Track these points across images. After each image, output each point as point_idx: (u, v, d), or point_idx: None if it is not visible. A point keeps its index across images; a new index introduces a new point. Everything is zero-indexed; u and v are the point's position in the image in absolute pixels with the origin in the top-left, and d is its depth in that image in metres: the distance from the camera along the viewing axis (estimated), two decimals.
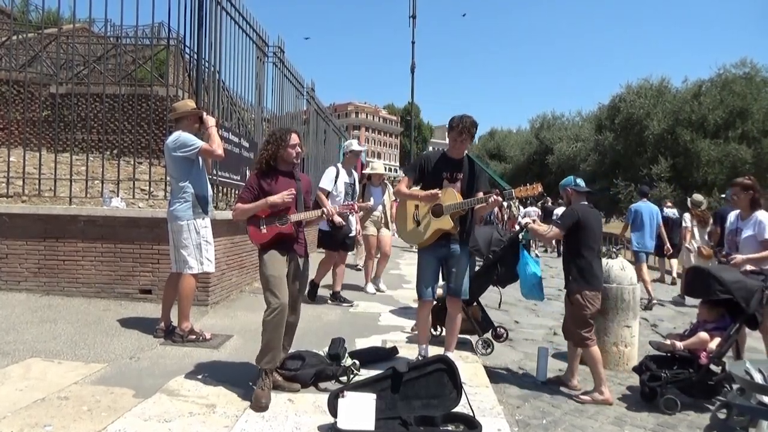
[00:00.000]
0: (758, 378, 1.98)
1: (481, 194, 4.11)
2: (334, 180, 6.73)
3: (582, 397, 4.26)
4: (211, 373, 3.94)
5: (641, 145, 21.87)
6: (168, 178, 5.30)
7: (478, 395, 3.80)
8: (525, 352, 5.67)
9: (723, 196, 11.16)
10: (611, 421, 3.88)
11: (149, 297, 5.91)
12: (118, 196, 6.63)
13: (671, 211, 11.11)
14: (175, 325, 4.84)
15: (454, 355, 4.28)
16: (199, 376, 3.89)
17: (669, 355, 4.40)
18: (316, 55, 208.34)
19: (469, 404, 3.26)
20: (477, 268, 5.06)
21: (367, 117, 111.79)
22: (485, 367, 4.62)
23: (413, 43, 21.82)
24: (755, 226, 4.83)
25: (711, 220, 9.07)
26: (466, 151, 4.31)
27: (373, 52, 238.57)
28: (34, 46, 10.35)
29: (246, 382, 3.76)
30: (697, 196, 9.93)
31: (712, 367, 4.18)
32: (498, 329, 5.37)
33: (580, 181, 4.59)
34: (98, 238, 5.94)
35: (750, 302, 4.16)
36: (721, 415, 1.99)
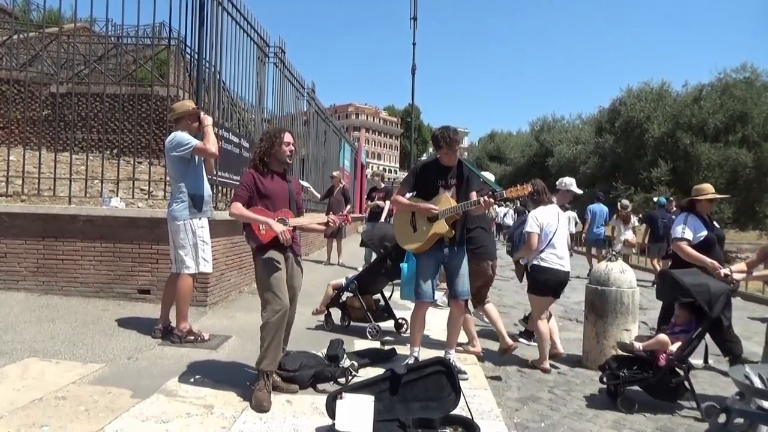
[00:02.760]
0: (757, 383, 1.98)
1: (474, 196, 4.18)
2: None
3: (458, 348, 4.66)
4: (209, 374, 3.93)
5: (641, 148, 21.91)
6: (168, 179, 5.31)
7: (476, 398, 3.79)
8: (522, 353, 5.65)
9: (655, 200, 13.23)
10: (610, 424, 3.87)
11: (148, 297, 5.90)
12: (117, 195, 6.63)
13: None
14: (173, 325, 4.84)
15: (454, 357, 4.30)
16: (197, 377, 3.88)
17: (631, 355, 4.38)
18: (317, 56, 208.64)
19: (468, 407, 3.25)
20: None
21: (367, 118, 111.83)
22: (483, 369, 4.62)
23: (414, 44, 21.73)
24: None
25: (633, 219, 12.32)
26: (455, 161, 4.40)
27: (374, 53, 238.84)
28: (35, 45, 10.35)
29: (244, 382, 3.76)
30: (625, 201, 12.69)
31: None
32: (399, 320, 5.73)
33: None
34: (97, 238, 5.94)
35: (713, 306, 4.12)
36: (721, 420, 1.98)
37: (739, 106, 19.73)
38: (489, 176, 5.17)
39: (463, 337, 4.94)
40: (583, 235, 12.94)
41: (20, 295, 5.84)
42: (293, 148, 3.82)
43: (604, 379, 4.30)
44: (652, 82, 23.52)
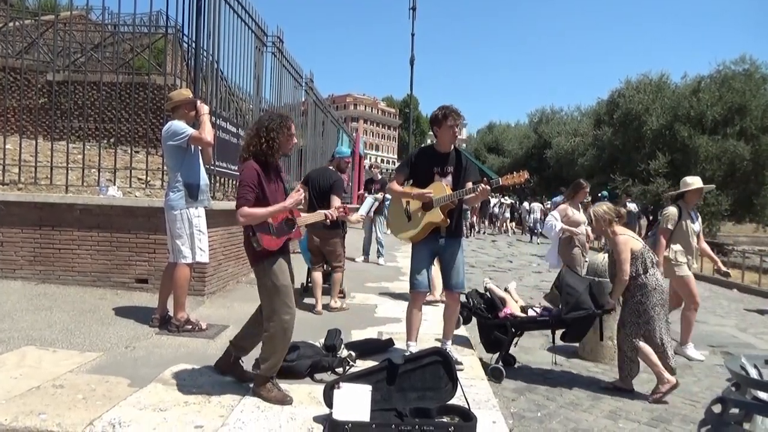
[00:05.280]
0: (753, 373, 1.99)
1: (470, 185, 4.12)
2: None
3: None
4: (207, 363, 3.94)
5: (639, 140, 21.86)
6: (165, 168, 5.29)
7: (473, 388, 3.81)
8: (520, 345, 5.66)
9: (599, 195, 14.19)
10: (605, 414, 3.89)
11: (145, 286, 5.90)
12: (114, 185, 6.60)
13: (631, 205, 13.78)
14: (171, 314, 4.84)
15: (451, 347, 4.31)
16: (195, 366, 3.88)
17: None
18: (315, 45, 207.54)
19: (465, 396, 3.26)
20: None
21: (365, 109, 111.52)
22: (481, 360, 4.64)
23: (413, 35, 21.75)
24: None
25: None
26: (453, 145, 4.31)
27: (373, 43, 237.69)
28: (31, 32, 10.27)
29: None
30: (624, 206, 13.36)
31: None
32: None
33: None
34: (94, 227, 5.92)
35: (570, 311, 4.47)
36: (716, 410, 1.99)
37: (737, 98, 19.69)
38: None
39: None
40: None
41: (17, 284, 5.83)
42: (296, 139, 3.65)
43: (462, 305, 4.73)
44: (651, 74, 23.46)
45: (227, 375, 3.69)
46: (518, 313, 4.77)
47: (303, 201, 3.54)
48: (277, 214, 3.38)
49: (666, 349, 4.26)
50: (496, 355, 4.69)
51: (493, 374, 4.44)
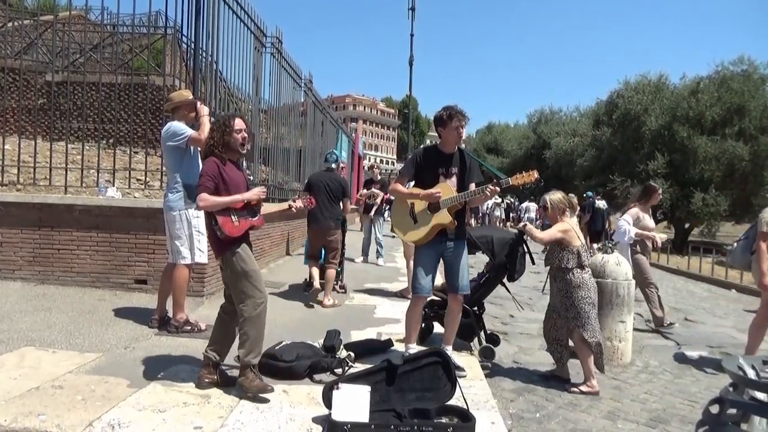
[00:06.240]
0: (751, 374, 1.99)
1: (473, 186, 4.09)
2: None
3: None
4: None
5: (638, 140, 21.83)
6: (164, 169, 5.30)
7: (472, 388, 3.81)
8: (520, 345, 5.68)
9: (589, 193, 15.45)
10: (604, 415, 3.90)
11: (144, 287, 5.90)
12: (113, 185, 6.61)
13: (600, 203, 14.44)
14: (170, 315, 4.84)
15: (452, 352, 4.29)
16: (194, 367, 3.87)
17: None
18: (314, 46, 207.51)
19: (464, 397, 3.27)
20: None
21: (365, 109, 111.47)
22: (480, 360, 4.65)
23: (412, 35, 21.78)
24: None
25: (577, 209, 14.07)
26: (458, 145, 4.25)
27: (372, 44, 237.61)
28: (30, 33, 10.27)
29: (233, 373, 3.76)
30: (572, 194, 14.50)
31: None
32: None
33: None
34: (93, 228, 5.92)
35: (495, 252, 4.80)
36: (714, 410, 2.00)
37: (736, 98, 19.67)
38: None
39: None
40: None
41: (16, 285, 5.83)
42: (245, 135, 3.63)
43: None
44: (650, 75, 23.41)
45: (211, 386, 3.57)
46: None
47: (263, 194, 3.66)
48: (237, 203, 3.50)
49: (598, 347, 4.33)
50: (480, 338, 4.88)
51: (485, 354, 4.56)
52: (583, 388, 4.28)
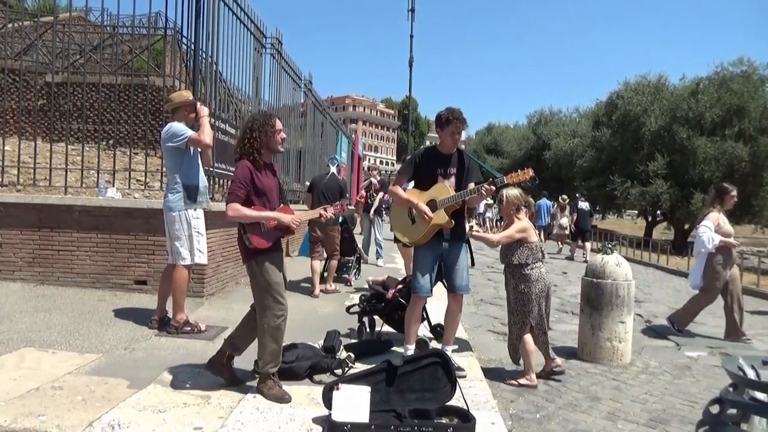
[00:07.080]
0: (751, 374, 1.99)
1: (472, 185, 4.10)
2: None
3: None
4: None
5: (638, 141, 21.84)
6: (164, 170, 5.30)
7: (472, 389, 3.81)
8: None
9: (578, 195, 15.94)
10: (604, 415, 3.90)
11: (144, 288, 5.90)
12: (113, 186, 6.60)
13: (584, 204, 14.85)
14: (170, 316, 4.84)
15: (452, 353, 4.29)
16: (194, 368, 3.89)
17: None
18: (314, 47, 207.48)
19: (464, 398, 3.27)
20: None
21: (364, 110, 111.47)
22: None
23: (411, 36, 21.76)
24: None
25: (568, 208, 15.79)
26: (456, 146, 4.27)
27: (372, 45, 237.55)
28: (30, 34, 10.26)
29: (241, 373, 3.76)
30: (564, 195, 16.59)
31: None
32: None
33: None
34: (93, 229, 5.93)
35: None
36: (714, 410, 2.00)
37: (735, 99, 19.68)
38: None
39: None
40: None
41: (16, 286, 5.83)
42: (284, 135, 3.65)
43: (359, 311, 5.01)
44: (650, 76, 23.41)
45: (218, 375, 3.67)
46: (400, 285, 5.05)
47: (296, 225, 3.54)
48: (270, 222, 3.41)
49: (547, 339, 4.53)
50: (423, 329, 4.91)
51: (418, 346, 4.49)
52: (522, 381, 4.39)
